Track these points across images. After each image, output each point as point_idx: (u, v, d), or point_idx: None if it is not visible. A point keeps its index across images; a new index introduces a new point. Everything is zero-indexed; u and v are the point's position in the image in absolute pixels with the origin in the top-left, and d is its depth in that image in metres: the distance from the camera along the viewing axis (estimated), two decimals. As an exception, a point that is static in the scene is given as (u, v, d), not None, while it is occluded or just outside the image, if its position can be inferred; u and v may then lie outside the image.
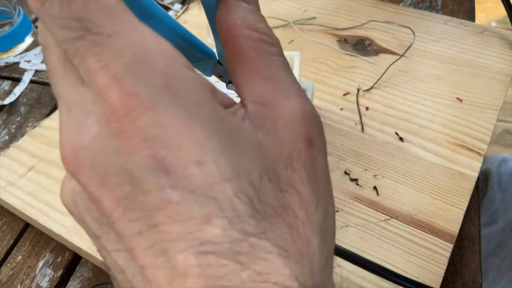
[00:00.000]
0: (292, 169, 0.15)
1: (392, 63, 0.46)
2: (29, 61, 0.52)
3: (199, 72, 0.15)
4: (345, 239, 0.33)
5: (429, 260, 0.31)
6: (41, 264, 0.34)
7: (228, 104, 0.16)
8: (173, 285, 0.14)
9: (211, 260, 0.13)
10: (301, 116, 0.16)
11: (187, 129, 0.14)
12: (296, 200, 0.15)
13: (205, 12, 0.18)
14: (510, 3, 0.49)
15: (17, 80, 0.50)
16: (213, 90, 0.15)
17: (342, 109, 0.42)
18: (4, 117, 0.46)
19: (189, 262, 0.13)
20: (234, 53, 0.17)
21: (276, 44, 0.17)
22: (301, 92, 0.16)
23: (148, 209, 0.14)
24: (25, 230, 0.37)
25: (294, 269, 0.14)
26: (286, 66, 0.17)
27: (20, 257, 0.35)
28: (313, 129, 0.16)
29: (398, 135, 0.40)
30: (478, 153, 0.38)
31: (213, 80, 0.20)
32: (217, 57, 0.21)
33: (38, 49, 0.53)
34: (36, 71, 0.51)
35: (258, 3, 0.18)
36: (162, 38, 0.15)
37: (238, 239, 0.14)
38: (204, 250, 0.13)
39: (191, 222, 0.13)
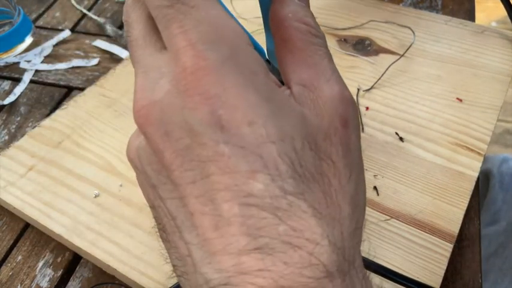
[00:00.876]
0: (330, 142, 0.17)
1: (393, 63, 0.46)
2: (29, 61, 0.52)
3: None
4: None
5: (429, 260, 0.31)
6: (41, 264, 0.34)
7: (277, 85, 0.18)
8: (217, 232, 0.15)
9: (253, 212, 0.15)
10: (339, 99, 0.18)
11: (244, 93, 0.15)
12: (331, 170, 0.17)
13: (260, 7, 0.21)
14: (510, 3, 0.49)
15: (17, 80, 0.50)
16: (267, 68, 0.17)
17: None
18: (4, 117, 0.46)
19: (233, 211, 0.15)
20: (284, 41, 0.19)
21: (321, 37, 0.19)
22: (340, 80, 0.18)
23: (202, 161, 0.15)
24: (25, 230, 0.37)
25: (325, 229, 0.15)
26: (329, 57, 0.19)
27: (20, 257, 0.35)
28: (349, 111, 0.18)
29: (398, 135, 0.40)
30: (478, 153, 0.38)
31: None
32: (266, 55, 0.22)
33: (38, 49, 0.53)
34: (36, 71, 0.51)
35: (308, 1, 0.20)
36: (232, 18, 0.17)
37: (278, 196, 0.15)
38: (247, 202, 0.15)
39: (238, 175, 0.15)
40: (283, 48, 0.19)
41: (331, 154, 0.17)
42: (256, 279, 0.15)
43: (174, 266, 0.19)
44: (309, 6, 0.20)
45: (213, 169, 0.15)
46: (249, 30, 0.21)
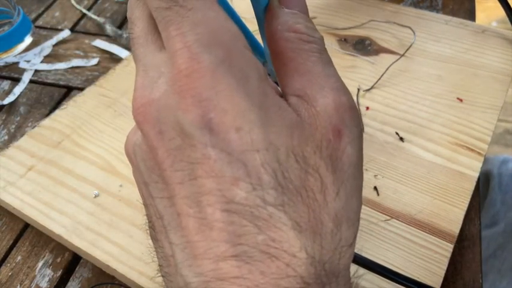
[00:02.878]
0: (320, 155, 0.16)
1: (393, 63, 0.46)
2: (28, 61, 0.52)
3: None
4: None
5: (429, 260, 0.31)
6: (40, 264, 0.34)
7: (277, 92, 0.18)
8: (199, 235, 0.15)
9: (234, 219, 0.15)
10: (333, 107, 0.17)
11: (234, 97, 0.15)
12: (318, 184, 0.16)
13: (256, 19, 0.20)
14: (509, 4, 0.49)
15: (16, 80, 0.50)
16: (265, 73, 0.17)
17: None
18: (3, 117, 0.46)
19: (216, 216, 0.15)
20: (276, 55, 0.18)
21: (314, 41, 0.18)
22: (338, 85, 0.18)
23: (191, 162, 0.15)
24: (25, 230, 0.37)
25: (304, 243, 0.15)
26: (324, 62, 0.18)
27: (19, 257, 0.35)
28: (344, 120, 0.17)
29: (398, 135, 0.40)
30: (479, 153, 0.38)
31: None
32: (265, 57, 0.22)
33: (38, 49, 0.53)
34: (36, 71, 0.51)
35: (303, 5, 0.19)
36: (231, 20, 0.17)
37: (259, 206, 0.15)
38: (229, 208, 0.15)
39: (222, 180, 0.15)
40: (277, 62, 0.18)
41: (320, 168, 0.16)
42: (232, 287, 0.15)
43: (159, 265, 0.19)
44: (304, 11, 0.19)
45: (200, 171, 0.15)
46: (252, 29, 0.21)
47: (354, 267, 0.18)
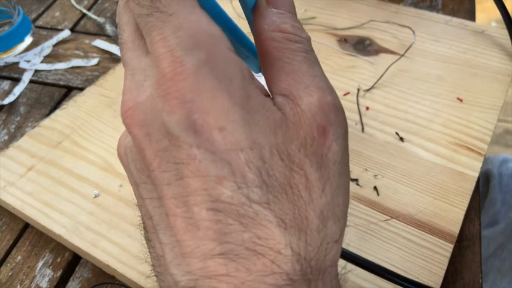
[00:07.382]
0: (305, 153, 0.17)
1: (393, 63, 0.46)
2: (28, 61, 0.52)
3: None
4: (345, 239, 0.32)
5: (429, 260, 0.31)
6: (40, 264, 0.34)
7: (263, 92, 0.18)
8: (187, 234, 0.16)
9: (220, 217, 0.15)
10: (318, 105, 0.17)
11: (217, 98, 0.15)
12: (303, 181, 0.16)
13: (247, 20, 0.20)
14: (504, 4, 0.49)
15: (16, 80, 0.50)
16: (249, 74, 0.17)
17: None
18: (4, 117, 0.46)
19: (202, 215, 0.15)
20: (263, 54, 0.19)
21: (301, 41, 0.18)
22: (323, 84, 0.18)
23: (177, 163, 0.16)
24: (25, 230, 0.37)
25: (289, 240, 0.15)
26: (310, 61, 0.18)
27: (19, 257, 0.35)
28: (329, 119, 0.17)
29: (398, 135, 0.40)
30: (479, 153, 0.38)
31: (262, 80, 0.21)
32: None
33: (38, 49, 0.53)
34: (36, 71, 0.51)
35: (290, 5, 0.19)
36: (213, 23, 0.17)
37: (244, 204, 0.15)
38: (215, 207, 0.15)
39: (207, 179, 0.15)
40: (264, 62, 0.19)
41: (305, 166, 0.16)
42: (220, 284, 0.15)
43: (152, 265, 0.19)
44: (291, 11, 0.19)
45: (186, 172, 0.16)
46: (248, 31, 0.21)
47: (342, 262, 0.18)
